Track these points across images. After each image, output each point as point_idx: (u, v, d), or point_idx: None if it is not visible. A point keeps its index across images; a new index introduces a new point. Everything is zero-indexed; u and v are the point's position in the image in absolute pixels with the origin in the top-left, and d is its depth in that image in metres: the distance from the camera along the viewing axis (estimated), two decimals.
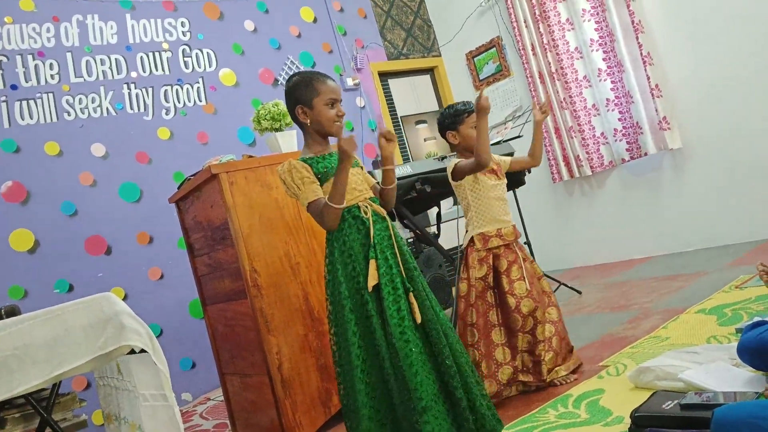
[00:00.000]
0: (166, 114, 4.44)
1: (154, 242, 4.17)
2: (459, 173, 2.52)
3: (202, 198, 2.78)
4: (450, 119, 2.59)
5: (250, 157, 2.72)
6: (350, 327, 1.91)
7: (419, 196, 3.33)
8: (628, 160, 4.79)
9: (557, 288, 4.09)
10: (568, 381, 2.46)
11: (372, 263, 1.92)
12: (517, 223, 4.04)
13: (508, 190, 3.93)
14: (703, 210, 4.47)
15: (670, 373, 2.03)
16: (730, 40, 4.13)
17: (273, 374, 2.50)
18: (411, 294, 1.95)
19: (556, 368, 2.48)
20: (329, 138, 2.08)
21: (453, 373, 1.93)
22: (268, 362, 2.51)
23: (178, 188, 2.95)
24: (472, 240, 2.53)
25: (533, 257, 4.05)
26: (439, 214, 4.09)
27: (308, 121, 2.02)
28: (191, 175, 2.80)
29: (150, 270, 4.11)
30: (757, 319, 2.40)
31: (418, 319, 1.92)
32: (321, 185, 1.97)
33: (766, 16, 3.94)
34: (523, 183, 3.88)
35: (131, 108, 4.31)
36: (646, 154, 4.62)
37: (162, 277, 4.14)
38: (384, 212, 2.04)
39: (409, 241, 4.60)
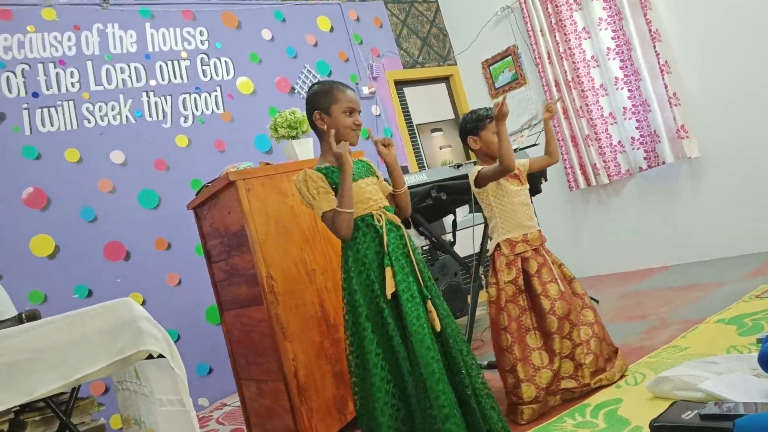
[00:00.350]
0: (185, 122, 4.49)
1: (172, 248, 4.20)
2: (483, 180, 2.50)
3: (219, 205, 2.80)
4: (472, 124, 2.57)
5: (267, 164, 2.73)
6: (367, 335, 1.93)
7: (435, 203, 3.34)
8: (646, 169, 4.76)
9: None
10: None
11: (388, 271, 1.94)
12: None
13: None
14: (720, 219, 4.43)
15: (689, 383, 2.01)
16: (747, 49, 4.10)
17: (289, 380, 2.51)
18: (429, 302, 1.98)
19: (600, 375, 2.40)
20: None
21: (467, 383, 1.96)
22: (284, 368, 2.51)
23: (196, 195, 2.97)
24: (498, 246, 2.51)
25: None
26: (455, 222, 4.09)
27: (325, 126, 2.06)
28: (209, 182, 2.83)
29: (168, 276, 4.15)
30: None
31: (437, 327, 1.95)
32: (336, 195, 1.99)
33: None
34: (539, 191, 3.87)
35: (150, 116, 4.36)
36: (663, 162, 4.59)
37: (180, 282, 4.18)
38: (398, 221, 2.06)
39: (424, 248, 4.60)
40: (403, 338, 1.92)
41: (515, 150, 3.87)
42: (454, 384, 1.95)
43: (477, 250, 3.99)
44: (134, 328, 2.03)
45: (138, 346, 2.01)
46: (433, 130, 5.94)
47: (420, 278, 2.02)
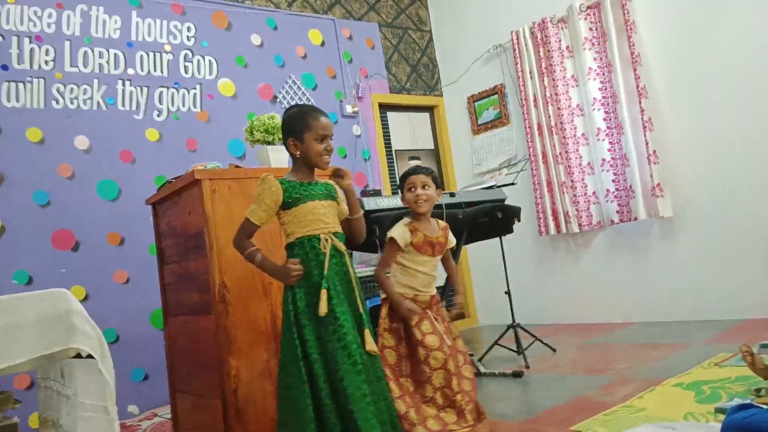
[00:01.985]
0: (158, 116, 4.33)
1: (125, 244, 4.02)
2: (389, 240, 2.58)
3: (180, 203, 2.66)
4: (400, 183, 2.68)
5: (237, 167, 2.61)
6: (294, 358, 2.01)
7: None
8: (617, 223, 4.75)
9: (532, 343, 3.98)
10: None
11: (323, 292, 2.01)
12: (500, 271, 3.98)
13: (496, 236, 3.89)
14: (687, 282, 4.42)
15: None
16: (732, 115, 4.15)
17: (228, 398, 2.36)
18: (366, 330, 2.09)
19: (478, 424, 2.46)
20: (315, 169, 2.22)
21: (384, 411, 2.07)
22: (224, 384, 2.36)
23: (158, 190, 2.83)
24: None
25: (511, 307, 3.96)
26: None
27: (297, 153, 2.15)
28: (173, 178, 2.69)
29: (116, 272, 3.95)
30: (737, 400, 2.31)
31: (374, 350, 2.08)
32: (288, 209, 2.10)
33: (765, 92, 3.96)
34: (511, 231, 3.80)
35: (123, 105, 4.20)
36: (636, 218, 4.59)
37: (128, 281, 3.98)
38: (343, 248, 2.14)
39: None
40: (323, 358, 2.00)
41: (492, 186, 3.82)
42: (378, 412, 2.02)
43: (441, 283, 3.90)
44: (67, 322, 1.87)
45: (68, 342, 1.85)
46: (411, 158, 5.88)
47: (358, 305, 2.11)
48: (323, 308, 2.00)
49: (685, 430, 2.02)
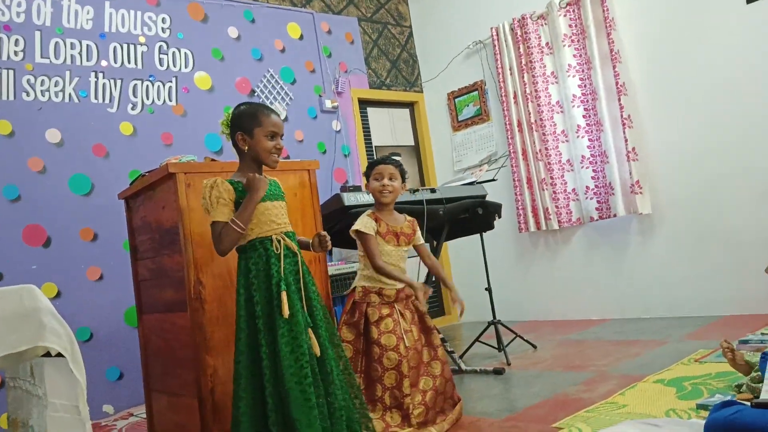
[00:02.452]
0: (132, 109, 4.23)
1: (98, 240, 3.92)
2: (359, 235, 2.62)
3: (155, 198, 2.59)
4: (366, 171, 2.72)
5: (213, 161, 2.55)
6: (242, 359, 1.99)
7: None
8: (597, 219, 4.76)
9: (512, 339, 3.97)
10: None
11: (283, 294, 1.99)
12: (479, 268, 3.96)
13: (477, 233, 3.87)
14: (665, 278, 4.45)
15: None
16: (710, 112, 4.17)
17: (204, 397, 2.29)
18: (310, 330, 2.04)
19: (430, 427, 2.48)
20: (263, 168, 2.18)
21: (340, 409, 2.04)
22: (200, 383, 2.30)
23: (131, 184, 2.75)
24: (353, 289, 2.65)
25: (492, 303, 3.94)
26: None
27: (246, 148, 2.12)
28: (146, 172, 2.61)
29: (89, 269, 3.85)
30: (719, 396, 2.32)
31: (316, 353, 2.01)
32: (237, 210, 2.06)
33: (746, 92, 3.99)
34: (491, 227, 3.79)
35: (96, 97, 4.09)
36: (615, 215, 4.60)
37: (101, 278, 3.88)
38: (296, 248, 2.12)
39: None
40: (272, 364, 1.96)
41: (473, 182, 3.80)
42: (330, 411, 2.00)
43: (422, 280, 3.86)
44: (35, 320, 1.80)
45: (36, 341, 1.78)
46: (392, 154, 5.82)
47: (306, 305, 2.07)
48: (285, 310, 1.98)
49: (669, 427, 2.01)
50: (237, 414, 1.97)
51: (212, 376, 2.32)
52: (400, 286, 2.63)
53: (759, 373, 2.20)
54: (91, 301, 3.79)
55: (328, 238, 2.24)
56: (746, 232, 4.02)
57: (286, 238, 2.10)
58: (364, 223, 2.60)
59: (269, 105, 2.26)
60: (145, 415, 3.28)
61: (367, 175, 2.69)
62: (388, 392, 2.48)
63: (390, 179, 2.63)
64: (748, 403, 1.79)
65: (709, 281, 4.21)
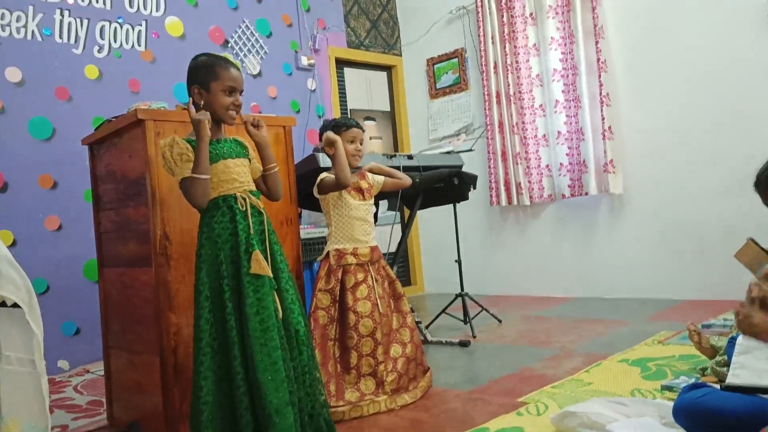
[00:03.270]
0: (99, 51, 4.02)
1: (58, 188, 3.74)
2: (323, 188, 2.58)
3: (121, 145, 2.45)
4: (330, 128, 2.65)
5: (185, 109, 2.42)
6: (204, 314, 1.91)
7: None
8: (568, 197, 4.76)
9: (479, 313, 3.97)
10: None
11: (257, 254, 1.92)
12: (448, 239, 3.92)
13: (451, 203, 3.83)
14: (631, 260, 4.50)
15: (597, 422, 1.91)
16: (688, 98, 4.17)
17: (166, 356, 2.21)
18: (275, 291, 1.98)
19: (403, 394, 2.51)
20: (222, 125, 2.07)
21: (305, 374, 2.01)
22: (162, 341, 2.21)
23: (96, 129, 2.60)
24: (327, 254, 2.59)
25: (461, 276, 3.93)
26: (375, 215, 3.88)
27: (202, 102, 2.00)
28: (113, 117, 2.47)
29: (48, 218, 3.69)
30: (683, 378, 2.34)
31: (279, 316, 1.95)
32: None
33: (723, 83, 3.99)
34: (466, 198, 3.74)
35: (60, 37, 3.87)
36: (587, 193, 4.61)
37: (60, 228, 3.72)
38: (261, 205, 2.04)
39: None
40: (239, 325, 1.90)
41: (450, 152, 3.73)
42: (289, 378, 1.94)
43: (392, 249, 3.82)
44: None
45: None
46: (367, 119, 5.72)
47: (274, 266, 2.00)
48: (266, 268, 1.92)
49: (635, 406, 2.01)
50: (196, 389, 1.89)
51: (175, 334, 2.24)
52: (373, 243, 2.65)
53: (725, 357, 2.22)
54: (48, 252, 3.64)
55: (257, 117, 2.13)
56: (711, 220, 4.07)
57: (252, 196, 2.02)
58: (325, 175, 2.59)
59: (233, 58, 2.09)
60: (102, 372, 3.18)
61: (336, 133, 2.61)
62: (364, 359, 2.48)
63: (360, 143, 2.67)
64: (717, 386, 1.80)
65: (672, 265, 4.27)
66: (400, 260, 3.59)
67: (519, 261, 5.18)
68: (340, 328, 2.52)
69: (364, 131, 2.72)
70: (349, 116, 5.37)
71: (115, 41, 4.10)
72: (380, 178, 2.78)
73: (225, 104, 1.99)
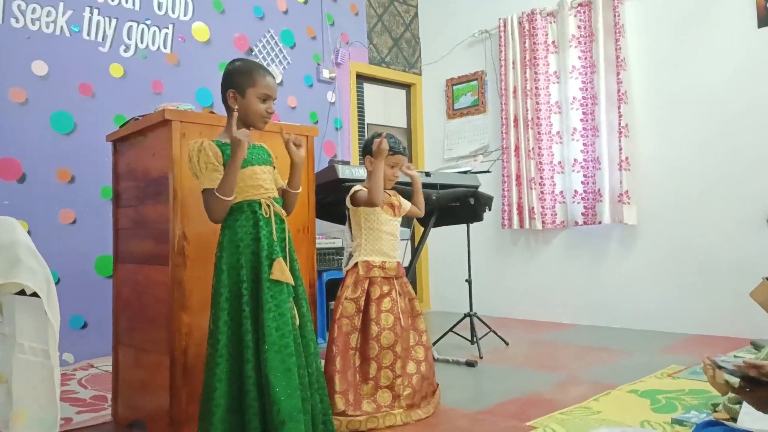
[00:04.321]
0: (125, 51, 4.06)
1: (75, 182, 3.76)
2: (356, 200, 2.59)
3: (145, 144, 2.47)
4: (371, 146, 2.61)
5: (212, 113, 2.44)
6: (222, 316, 1.91)
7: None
8: (581, 224, 4.76)
9: (486, 334, 3.95)
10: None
11: (279, 261, 1.94)
12: (457, 258, 3.91)
13: (465, 223, 3.83)
14: (640, 291, 4.47)
15: None
16: (706, 134, 4.18)
17: (176, 356, 2.21)
18: (291, 300, 1.99)
19: (417, 410, 2.50)
20: (252, 130, 2.06)
21: (313, 384, 2.01)
22: (173, 342, 2.21)
23: (120, 127, 2.62)
24: (356, 265, 2.60)
25: (470, 296, 3.92)
26: None
27: (236, 107, 2.01)
28: (139, 116, 2.49)
29: (63, 212, 3.70)
30: (694, 413, 2.32)
31: (296, 323, 1.98)
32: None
33: (743, 119, 4.00)
34: (480, 219, 3.74)
35: (88, 34, 3.91)
36: (600, 222, 4.60)
37: (74, 222, 3.74)
38: (284, 214, 2.07)
39: (351, 250, 4.37)
40: (254, 329, 1.90)
41: (467, 171, 3.74)
42: (302, 385, 1.94)
43: (405, 265, 3.81)
44: (11, 254, 1.70)
45: (10, 276, 1.68)
46: (380, 134, 5.73)
47: (293, 275, 2.02)
48: (288, 276, 1.94)
49: None
50: (209, 392, 1.88)
51: (187, 335, 2.23)
52: (398, 258, 2.67)
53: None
54: (61, 245, 3.65)
55: (302, 143, 2.13)
56: (724, 257, 4.05)
57: (276, 204, 2.03)
58: (358, 188, 2.60)
59: (266, 66, 2.11)
60: (106, 368, 3.18)
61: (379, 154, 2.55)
62: (383, 372, 2.48)
63: (399, 170, 2.70)
64: (731, 424, 1.77)
65: (681, 299, 4.25)
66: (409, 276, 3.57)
67: (527, 285, 5.16)
68: (362, 338, 2.52)
69: (407, 157, 2.74)
70: (375, 132, 5.40)
71: (142, 42, 4.14)
72: (407, 204, 2.80)
73: (259, 111, 2.01)
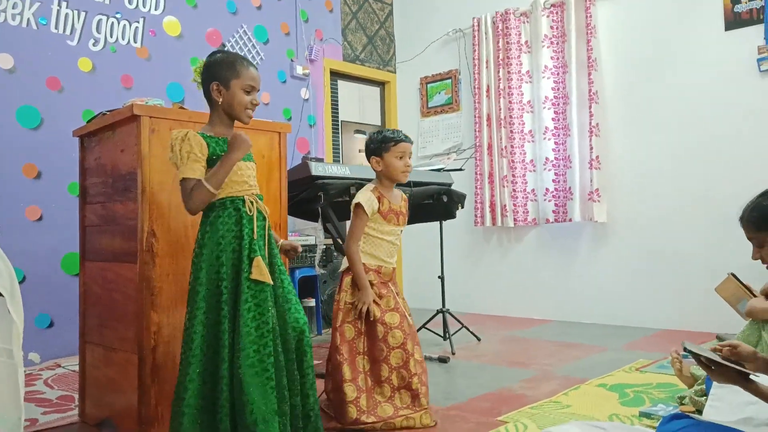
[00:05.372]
0: (94, 45, 3.99)
1: (41, 179, 3.69)
2: (356, 209, 2.49)
3: (113, 140, 2.43)
4: (376, 144, 2.50)
5: (182, 108, 2.41)
6: (198, 315, 1.87)
7: (350, 201, 3.12)
8: (552, 222, 4.81)
9: (458, 330, 3.98)
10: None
11: (258, 260, 1.90)
12: (429, 255, 3.93)
13: (438, 220, 3.84)
14: (610, 287, 4.54)
15: None
16: (676, 133, 4.26)
17: (144, 355, 2.17)
18: (280, 297, 1.98)
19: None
20: (235, 123, 2.05)
21: (294, 379, 1.96)
22: (142, 340, 2.18)
23: (88, 122, 2.58)
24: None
25: (443, 292, 3.94)
26: None
27: (220, 100, 1.97)
28: (107, 111, 2.45)
29: (28, 208, 3.62)
30: (661, 406, 2.36)
31: (275, 323, 1.94)
32: (210, 167, 1.92)
33: (713, 121, 4.08)
34: (453, 216, 3.76)
35: (56, 27, 3.84)
36: (570, 220, 4.66)
37: (41, 218, 3.66)
38: (267, 211, 2.04)
39: (324, 247, 4.35)
40: (231, 328, 1.87)
41: (440, 169, 3.76)
42: (280, 381, 1.90)
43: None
44: None
45: None
46: (357, 132, 5.72)
47: (274, 272, 2.00)
48: (266, 275, 1.90)
49: (615, 431, 2.02)
50: (181, 390, 1.86)
51: (156, 333, 2.20)
52: (395, 264, 2.58)
53: (703, 386, 2.25)
54: (27, 242, 3.57)
55: (299, 252, 2.21)
56: (693, 254, 4.14)
57: (259, 201, 2.00)
58: (366, 199, 2.45)
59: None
60: (73, 367, 3.13)
61: (381, 149, 2.48)
62: (395, 372, 2.38)
63: (409, 158, 2.52)
64: (698, 417, 1.81)
65: (650, 295, 4.33)
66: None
67: (499, 282, 5.21)
68: (369, 341, 2.42)
69: (412, 144, 2.56)
70: (348, 129, 5.38)
71: (111, 36, 4.08)
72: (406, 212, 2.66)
73: (244, 102, 1.96)
